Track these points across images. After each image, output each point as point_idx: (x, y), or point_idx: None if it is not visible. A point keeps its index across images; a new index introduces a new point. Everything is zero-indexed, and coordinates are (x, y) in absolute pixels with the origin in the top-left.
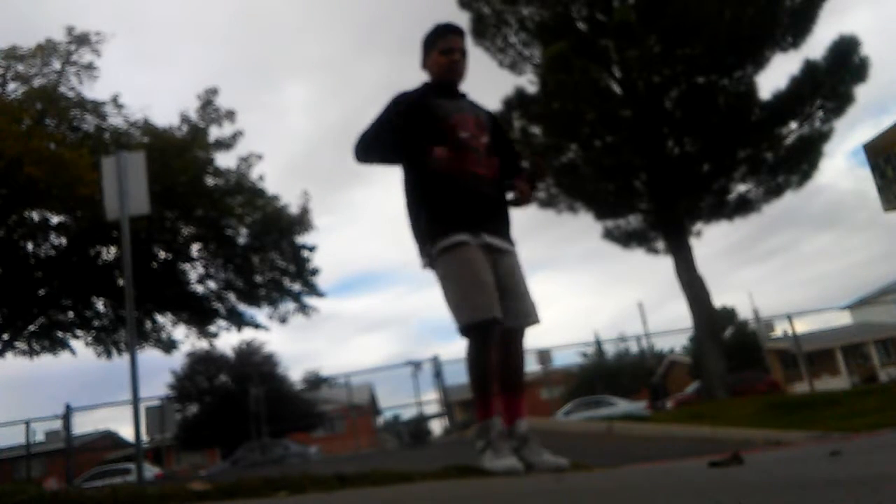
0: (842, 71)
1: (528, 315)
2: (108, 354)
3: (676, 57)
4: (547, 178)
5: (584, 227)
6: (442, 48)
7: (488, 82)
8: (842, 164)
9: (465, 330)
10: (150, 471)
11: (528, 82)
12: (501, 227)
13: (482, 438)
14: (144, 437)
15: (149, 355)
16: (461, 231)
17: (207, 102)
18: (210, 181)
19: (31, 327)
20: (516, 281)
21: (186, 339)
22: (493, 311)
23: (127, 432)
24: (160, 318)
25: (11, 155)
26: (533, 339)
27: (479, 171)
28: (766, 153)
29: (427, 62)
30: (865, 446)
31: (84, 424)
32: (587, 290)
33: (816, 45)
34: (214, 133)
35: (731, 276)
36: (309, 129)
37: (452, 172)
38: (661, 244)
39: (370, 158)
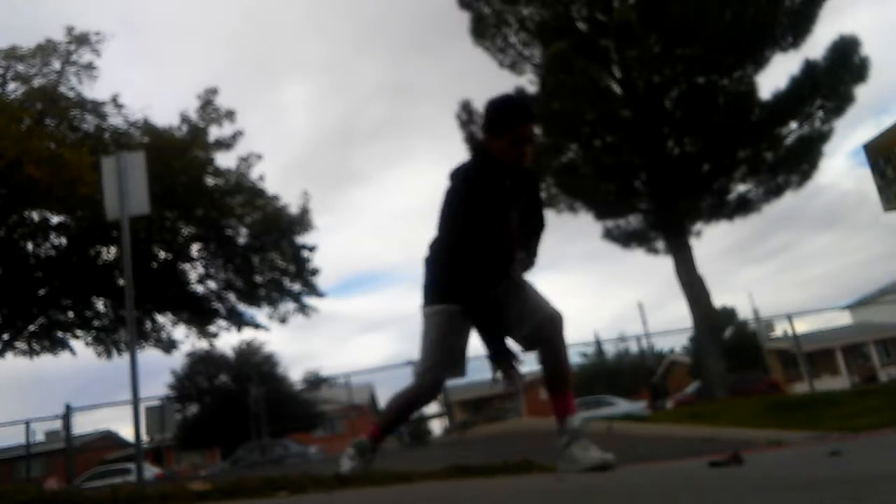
0: (842, 71)
1: (537, 315)
2: (108, 354)
3: (676, 57)
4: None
5: (584, 227)
6: (512, 139)
7: (488, 82)
8: (842, 164)
9: (423, 376)
10: (150, 471)
11: (528, 82)
12: (505, 274)
13: (354, 454)
14: (144, 437)
15: (149, 355)
16: (450, 301)
17: (207, 102)
18: (210, 181)
19: (31, 327)
20: (519, 298)
21: (186, 339)
22: (443, 370)
23: (127, 432)
24: (160, 318)
25: (11, 155)
26: None
27: (495, 261)
28: (766, 153)
29: (492, 142)
30: (865, 446)
31: (84, 424)
32: (587, 290)
33: (816, 45)
34: (214, 133)
35: (731, 276)
36: (309, 129)
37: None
38: (661, 244)
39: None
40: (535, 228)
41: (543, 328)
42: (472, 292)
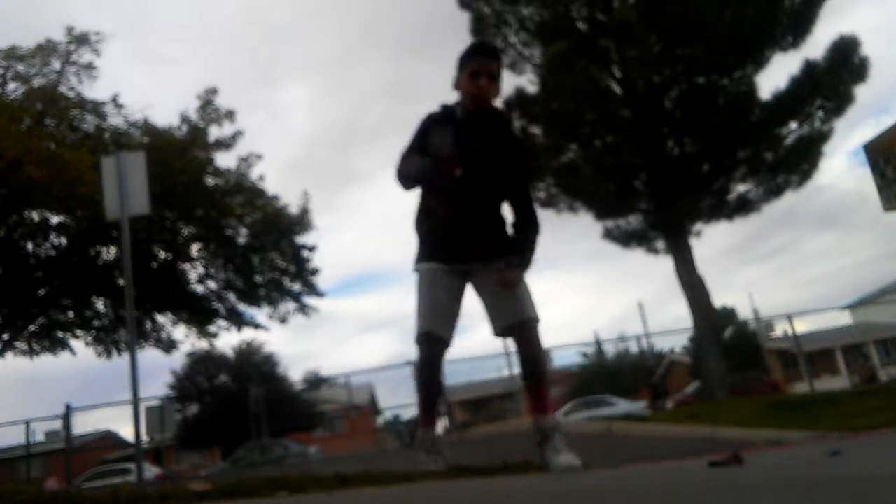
0: (842, 71)
1: (508, 316)
2: (108, 354)
3: (676, 57)
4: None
5: (584, 227)
6: (471, 71)
7: None
8: (842, 164)
9: (416, 340)
10: (150, 471)
11: (528, 82)
12: (478, 250)
13: (421, 447)
14: (144, 437)
15: (149, 355)
16: (431, 260)
17: (207, 102)
18: (210, 181)
19: (31, 327)
20: (493, 292)
21: (186, 339)
22: (430, 326)
23: (127, 432)
24: (160, 318)
25: (11, 155)
26: None
27: (453, 212)
28: (766, 153)
29: (457, 82)
30: (865, 446)
31: (84, 424)
32: (587, 290)
33: (816, 45)
34: (214, 133)
35: (731, 276)
36: (309, 129)
37: (435, 215)
38: (661, 244)
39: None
40: (525, 215)
41: (515, 332)
42: (443, 245)
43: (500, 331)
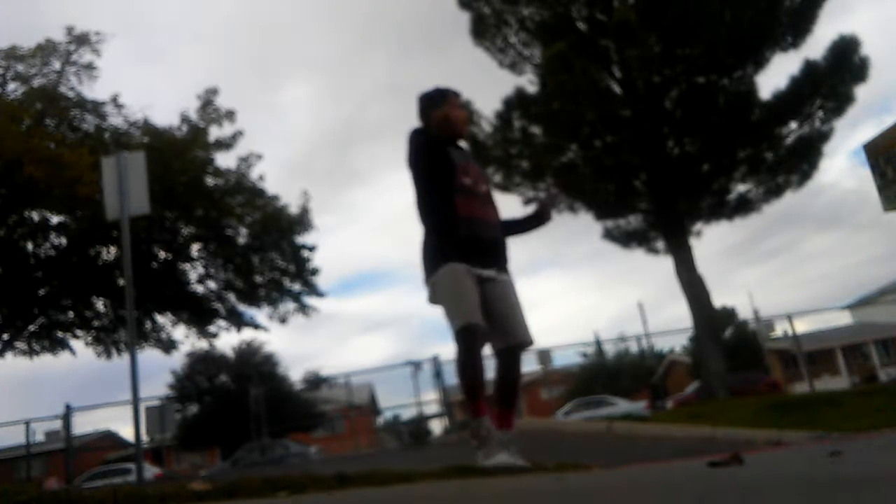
0: (842, 71)
1: (517, 335)
2: (108, 354)
3: (676, 57)
4: (558, 203)
5: (584, 227)
6: (455, 104)
7: (488, 82)
8: (843, 164)
9: (456, 334)
10: (150, 471)
11: (528, 82)
12: (495, 260)
13: (475, 438)
14: (144, 437)
15: (149, 355)
16: (455, 261)
17: (207, 102)
18: (210, 181)
19: (31, 327)
20: (507, 305)
21: (186, 339)
22: (473, 318)
23: (127, 432)
24: (160, 318)
25: (11, 155)
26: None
27: (480, 215)
28: (766, 153)
29: (435, 117)
30: (865, 446)
31: (84, 424)
32: (587, 289)
33: (816, 45)
34: (214, 133)
35: (731, 276)
36: (309, 129)
37: (463, 216)
38: (661, 244)
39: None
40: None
41: (508, 354)
42: (465, 242)
43: (498, 348)
